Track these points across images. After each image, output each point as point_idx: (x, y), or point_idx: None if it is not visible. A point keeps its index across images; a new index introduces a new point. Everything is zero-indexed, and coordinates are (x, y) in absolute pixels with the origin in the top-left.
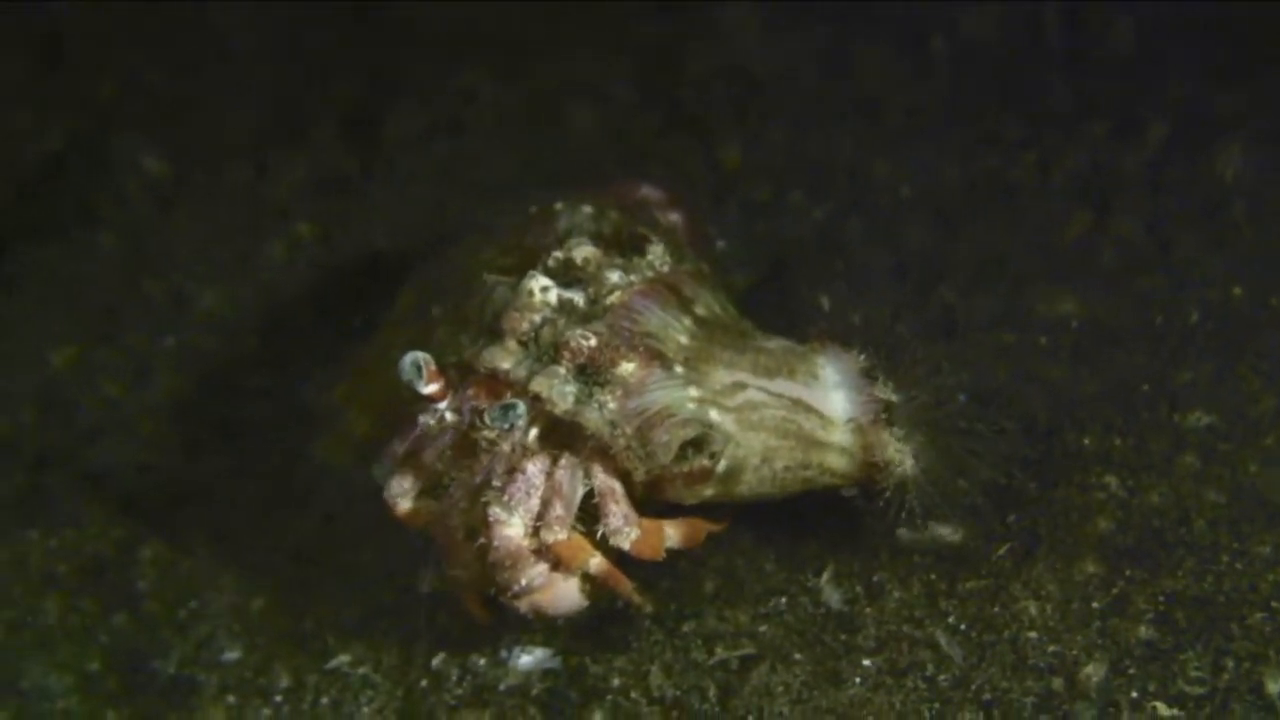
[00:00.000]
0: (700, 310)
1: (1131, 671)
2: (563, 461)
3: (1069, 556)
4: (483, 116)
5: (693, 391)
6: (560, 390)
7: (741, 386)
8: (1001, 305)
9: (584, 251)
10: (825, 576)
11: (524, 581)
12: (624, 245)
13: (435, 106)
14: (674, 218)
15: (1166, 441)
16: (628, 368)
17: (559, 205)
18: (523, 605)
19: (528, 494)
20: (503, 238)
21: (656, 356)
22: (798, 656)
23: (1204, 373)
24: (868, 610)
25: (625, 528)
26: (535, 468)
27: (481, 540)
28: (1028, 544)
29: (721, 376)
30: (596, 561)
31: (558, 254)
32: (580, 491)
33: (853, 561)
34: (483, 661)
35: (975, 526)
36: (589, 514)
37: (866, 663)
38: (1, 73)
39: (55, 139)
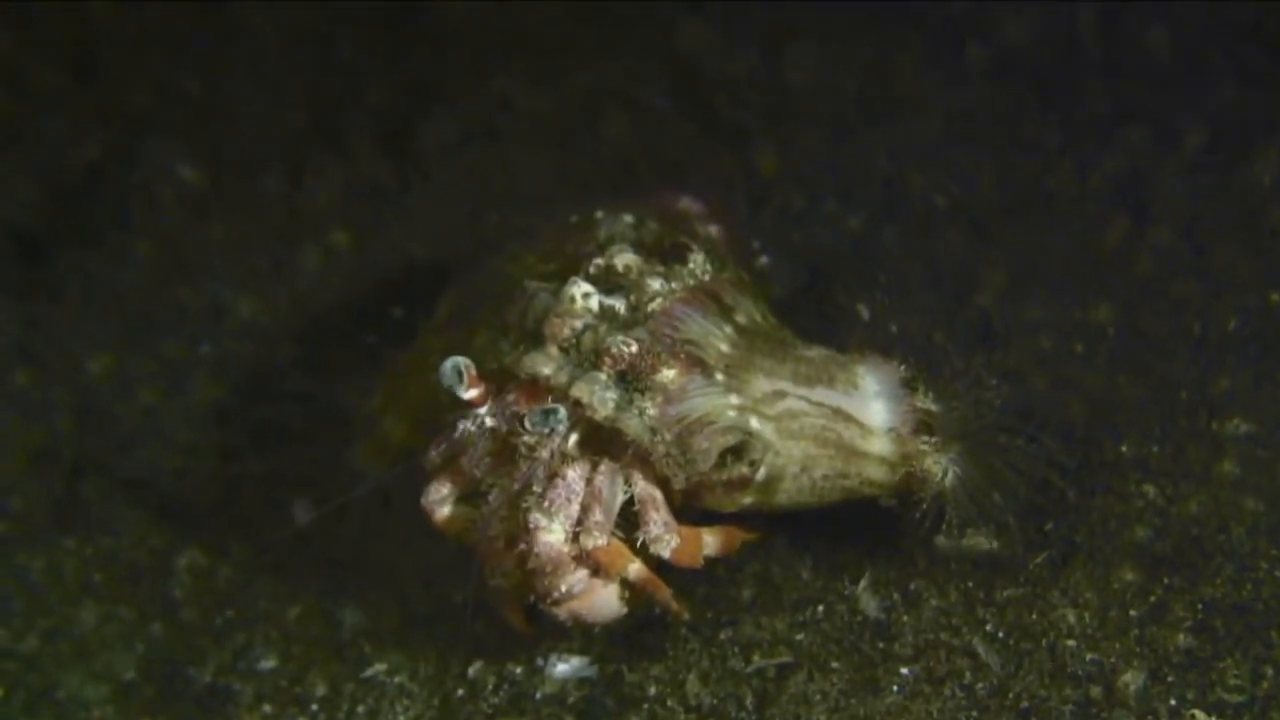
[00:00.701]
0: (741, 318)
1: (1170, 679)
2: (602, 467)
3: (1107, 564)
4: (518, 124)
5: (733, 399)
6: (601, 396)
7: (781, 395)
8: (1039, 312)
9: (625, 259)
10: (862, 584)
11: (564, 588)
12: (665, 253)
13: (470, 114)
14: (713, 229)
15: (1205, 449)
16: (668, 374)
17: (599, 214)
18: (562, 612)
19: (568, 500)
20: (543, 245)
21: (697, 363)
22: (835, 665)
23: (1242, 380)
24: (905, 618)
25: (666, 535)
26: (575, 474)
27: (521, 547)
28: (1065, 552)
29: (762, 385)
30: (636, 568)
31: (599, 261)
32: (620, 497)
33: (890, 569)
34: (519, 670)
35: (1013, 534)
36: (628, 521)
37: (904, 671)
38: (38, 82)
39: (92, 148)
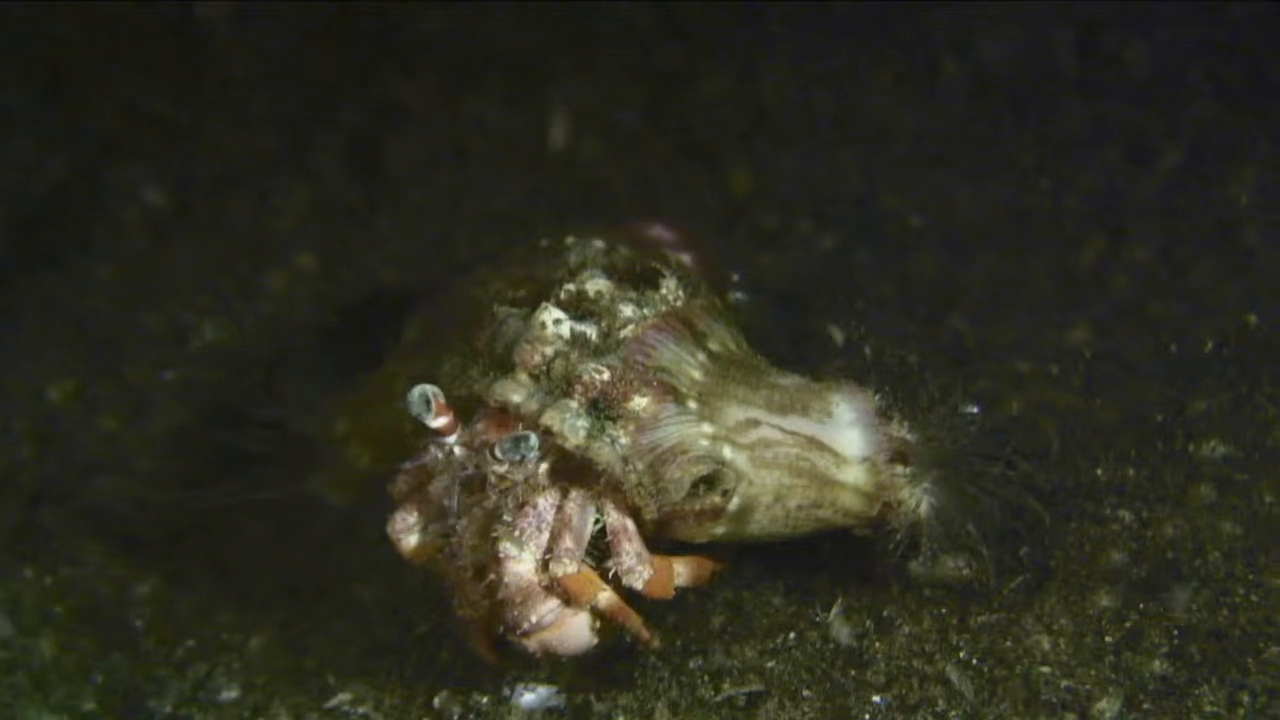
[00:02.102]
0: (714, 345)
1: (1146, 707)
2: (573, 496)
3: (1082, 589)
4: (488, 145)
5: (706, 428)
6: (572, 424)
7: (755, 423)
8: (1014, 334)
9: (597, 284)
10: (834, 611)
11: (534, 619)
12: (637, 279)
13: (439, 135)
14: (686, 257)
15: (1181, 472)
16: (640, 402)
17: (569, 239)
18: (532, 644)
19: (538, 529)
20: (512, 270)
21: (670, 391)
22: (806, 693)
23: (1219, 402)
24: (877, 645)
25: (638, 567)
26: (546, 502)
27: (491, 577)
28: (1040, 577)
29: (735, 413)
30: (606, 596)
31: (570, 286)
32: (591, 526)
33: (862, 595)
34: (485, 700)
35: (987, 559)
36: (598, 551)
37: (877, 699)
38: (3, 102)
39: (57, 169)
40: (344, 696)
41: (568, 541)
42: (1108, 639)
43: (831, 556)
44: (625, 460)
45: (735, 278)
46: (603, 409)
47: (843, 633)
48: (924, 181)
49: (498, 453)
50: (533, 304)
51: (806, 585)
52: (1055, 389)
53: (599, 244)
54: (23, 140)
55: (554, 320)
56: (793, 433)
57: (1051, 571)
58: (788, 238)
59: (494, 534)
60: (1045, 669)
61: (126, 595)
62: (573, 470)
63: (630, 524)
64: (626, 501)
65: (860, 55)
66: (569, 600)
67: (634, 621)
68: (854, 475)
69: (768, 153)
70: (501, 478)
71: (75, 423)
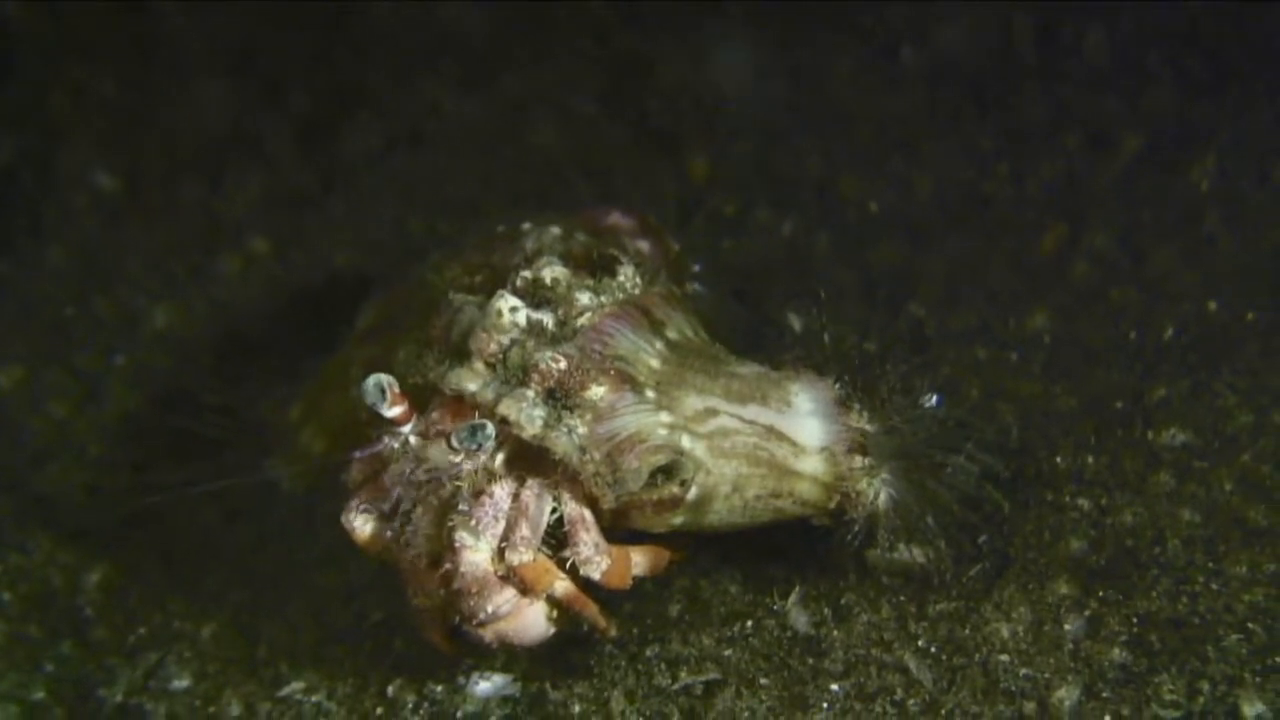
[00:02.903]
0: (672, 334)
1: (1105, 695)
2: (530, 484)
3: (1041, 577)
4: (444, 130)
5: (664, 417)
6: (529, 414)
7: (713, 413)
8: (973, 320)
9: (553, 271)
10: (792, 599)
11: (490, 609)
12: (594, 266)
13: (394, 119)
14: (643, 244)
15: (1140, 459)
16: (598, 391)
17: (526, 225)
18: (488, 634)
19: (495, 519)
20: (468, 256)
21: (627, 380)
22: (764, 681)
23: (1179, 389)
24: (835, 633)
25: (595, 556)
26: (502, 492)
27: (446, 567)
28: (999, 564)
29: (693, 402)
30: (563, 585)
31: (526, 273)
32: (548, 515)
33: (820, 583)
34: (440, 688)
35: (946, 547)
36: (555, 540)
37: (834, 687)
38: None
39: (5, 153)
40: (297, 685)
41: (524, 530)
42: (1067, 627)
43: (789, 545)
44: (583, 449)
45: (696, 268)
46: (560, 398)
47: (800, 621)
48: (884, 168)
49: (454, 442)
50: (489, 291)
51: (763, 574)
52: (1015, 376)
53: (556, 230)
54: None
55: (510, 308)
56: (751, 422)
57: (1010, 559)
58: (747, 225)
59: (450, 523)
60: (1004, 657)
61: (77, 583)
62: (529, 460)
63: (588, 514)
64: (584, 491)
65: (819, 42)
66: (525, 589)
67: (591, 610)
68: (812, 465)
69: (726, 140)
70: (457, 467)
71: (24, 409)
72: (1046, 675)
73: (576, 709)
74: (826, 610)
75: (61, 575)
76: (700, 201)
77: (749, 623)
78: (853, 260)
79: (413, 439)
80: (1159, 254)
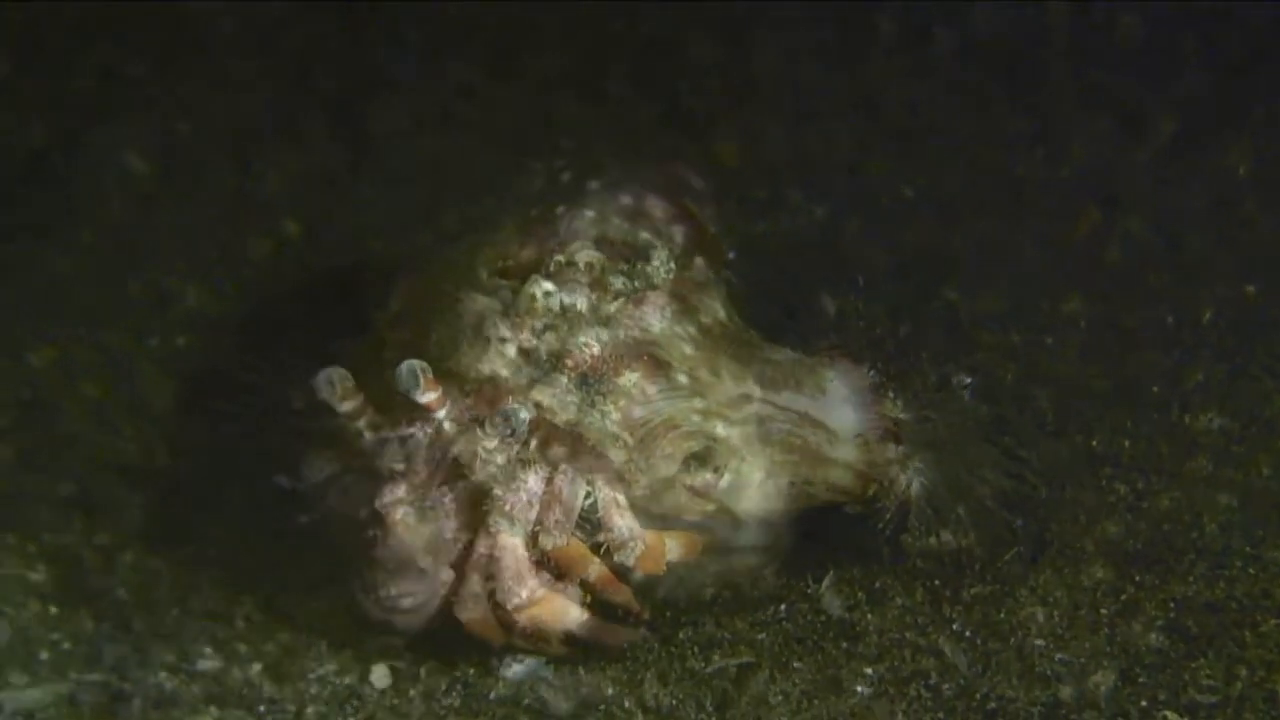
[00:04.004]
0: (705, 319)
1: (1141, 680)
2: (563, 470)
3: (1077, 561)
4: (473, 112)
5: (697, 403)
6: (563, 400)
7: (748, 399)
8: (1007, 304)
9: (587, 255)
10: (825, 583)
11: (525, 594)
12: (628, 251)
13: (424, 102)
14: (678, 229)
15: (1177, 444)
16: (631, 377)
17: (559, 208)
18: (522, 618)
19: (529, 504)
20: (502, 240)
21: (661, 366)
22: (797, 665)
23: (1216, 373)
24: (869, 617)
25: (631, 541)
26: (536, 478)
27: (482, 550)
28: (1034, 549)
29: (728, 388)
30: (596, 568)
31: (559, 258)
32: (581, 500)
33: (854, 567)
34: (472, 671)
35: (981, 531)
36: (590, 525)
37: (869, 671)
38: None
39: (35, 135)
40: (330, 667)
41: (557, 514)
42: (1103, 611)
43: (823, 528)
44: (616, 435)
45: (731, 255)
46: (593, 384)
47: (834, 605)
48: (917, 152)
49: (488, 428)
50: (522, 276)
51: (798, 557)
52: (1050, 360)
53: (590, 214)
54: (1, 107)
55: (544, 293)
56: (785, 408)
57: (1046, 543)
58: (778, 209)
59: (485, 508)
60: (1040, 641)
61: (111, 564)
62: (563, 445)
63: (621, 498)
64: (617, 476)
65: (850, 24)
66: (559, 574)
67: (625, 594)
68: (846, 452)
69: (756, 122)
70: (491, 452)
71: (58, 390)
72: (1082, 659)
73: (609, 691)
74: (860, 594)
75: (95, 556)
76: (732, 184)
77: (782, 607)
78: (885, 243)
79: (447, 425)
80: (1196, 237)
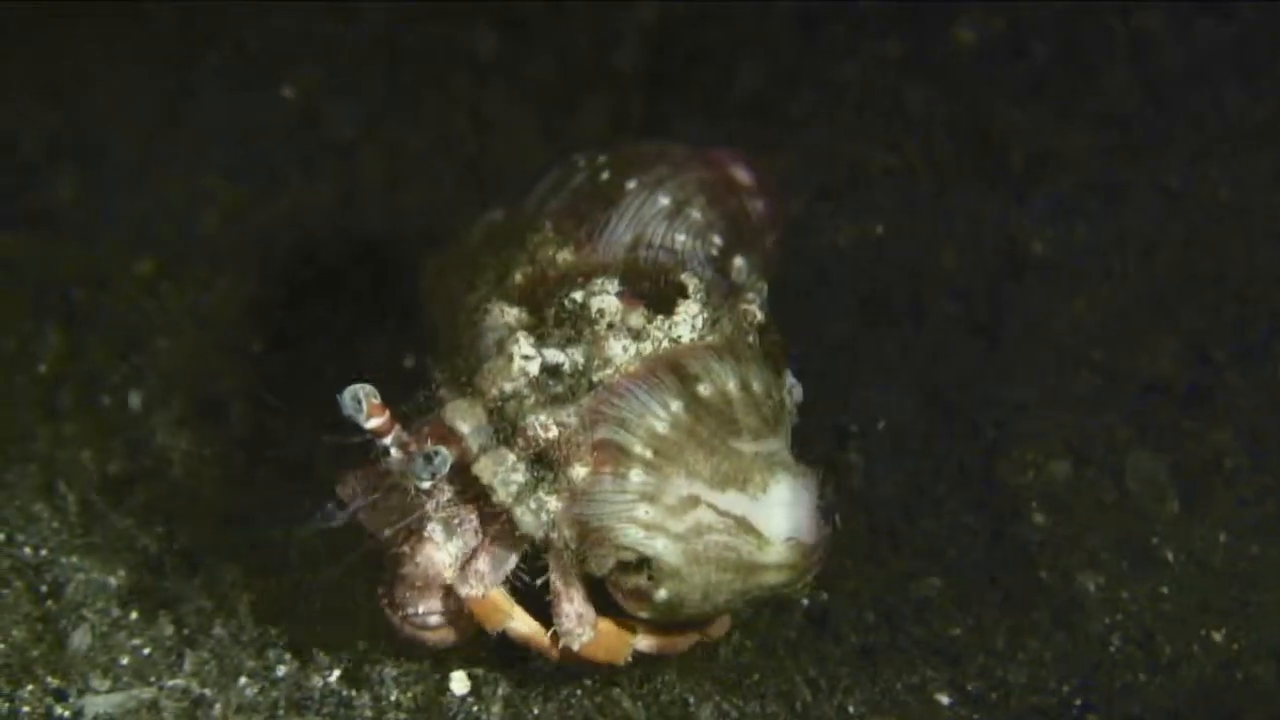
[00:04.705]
0: (705, 389)
1: None
2: (498, 528)
3: None
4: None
5: (641, 512)
6: (504, 478)
7: (695, 502)
8: None
9: (603, 302)
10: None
11: (420, 610)
12: (656, 297)
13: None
14: (760, 204)
15: None
16: (580, 472)
17: (631, 184)
18: (406, 629)
19: (474, 532)
20: (556, 214)
21: (615, 459)
22: None
23: None
24: None
25: (577, 630)
26: (474, 519)
27: (404, 549)
28: None
29: (679, 486)
30: (515, 625)
31: (576, 296)
32: (513, 563)
33: None
34: (550, 678)
35: None
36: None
37: None
38: None
39: None
40: (409, 668)
41: (481, 563)
42: None
43: None
44: (553, 524)
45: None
46: (541, 468)
47: None
48: None
49: (411, 467)
50: (530, 303)
51: None
52: None
53: (664, 202)
54: None
55: (523, 355)
56: (725, 513)
57: None
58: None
59: (428, 514)
60: None
61: (192, 569)
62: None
63: (576, 583)
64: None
65: None
66: (470, 616)
67: (540, 646)
68: (777, 555)
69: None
70: (420, 491)
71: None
72: None
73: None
74: None
75: (177, 561)
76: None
77: None
78: None
79: (394, 452)
80: None
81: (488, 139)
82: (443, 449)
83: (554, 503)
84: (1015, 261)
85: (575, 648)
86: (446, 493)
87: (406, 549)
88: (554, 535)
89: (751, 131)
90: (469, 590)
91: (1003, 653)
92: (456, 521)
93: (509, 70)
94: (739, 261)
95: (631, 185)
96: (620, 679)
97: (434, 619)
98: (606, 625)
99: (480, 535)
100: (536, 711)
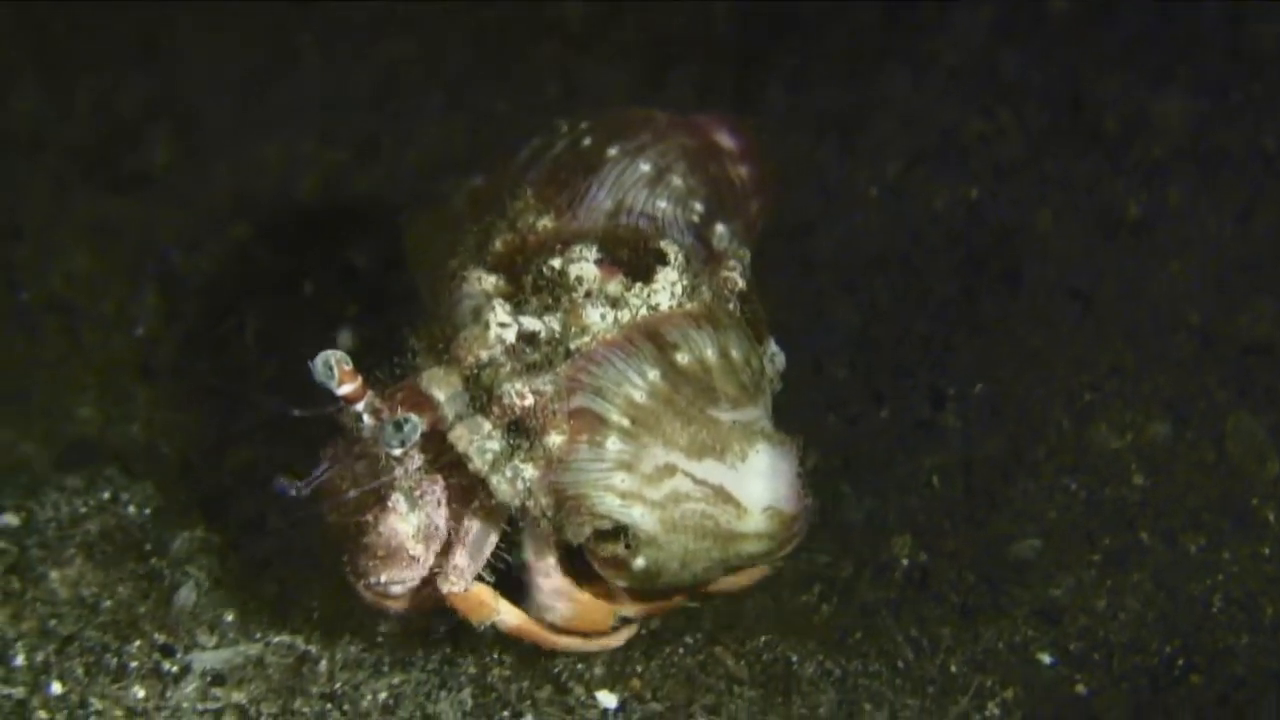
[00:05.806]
0: (683, 357)
1: None
2: (477, 509)
3: None
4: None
5: (618, 480)
6: (480, 446)
7: (671, 470)
8: None
9: (581, 269)
10: None
11: (384, 579)
12: (634, 265)
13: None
14: (744, 170)
15: None
16: (556, 440)
17: (612, 150)
18: (367, 595)
19: (438, 503)
20: (537, 181)
21: (592, 427)
22: None
23: None
24: None
25: (551, 604)
26: (438, 490)
27: (367, 518)
28: None
29: (656, 455)
30: (503, 618)
31: (555, 263)
32: (491, 545)
33: None
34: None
35: None
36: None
37: None
38: None
39: None
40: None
41: (458, 557)
42: None
43: None
44: (529, 493)
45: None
46: (517, 436)
47: None
48: None
49: (377, 435)
50: (508, 270)
51: None
52: None
53: (645, 168)
54: None
55: (499, 323)
56: (702, 482)
57: None
58: None
59: (390, 481)
60: None
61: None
62: (467, 484)
63: (550, 555)
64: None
65: None
66: (462, 614)
67: (541, 639)
68: (755, 524)
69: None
70: (390, 458)
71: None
72: None
73: None
74: None
75: (279, 520)
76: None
77: None
78: None
79: (366, 418)
80: None
81: (576, 108)
82: (413, 416)
83: (530, 470)
84: (1110, 224)
85: (555, 621)
86: (417, 460)
87: (369, 518)
88: (530, 503)
89: (840, 99)
90: (450, 588)
91: (1104, 614)
92: (419, 493)
93: (597, 39)
94: (720, 228)
95: (613, 152)
96: (723, 638)
97: (396, 588)
98: (585, 596)
99: (442, 505)
100: (640, 669)
